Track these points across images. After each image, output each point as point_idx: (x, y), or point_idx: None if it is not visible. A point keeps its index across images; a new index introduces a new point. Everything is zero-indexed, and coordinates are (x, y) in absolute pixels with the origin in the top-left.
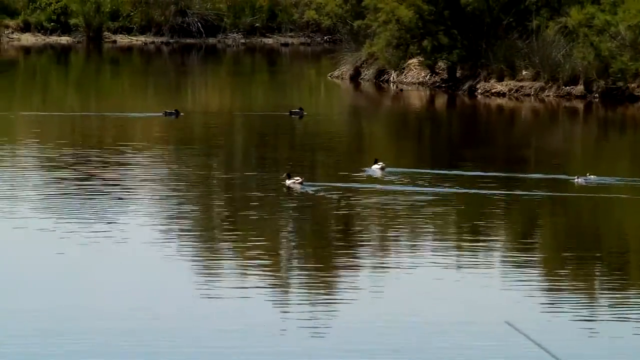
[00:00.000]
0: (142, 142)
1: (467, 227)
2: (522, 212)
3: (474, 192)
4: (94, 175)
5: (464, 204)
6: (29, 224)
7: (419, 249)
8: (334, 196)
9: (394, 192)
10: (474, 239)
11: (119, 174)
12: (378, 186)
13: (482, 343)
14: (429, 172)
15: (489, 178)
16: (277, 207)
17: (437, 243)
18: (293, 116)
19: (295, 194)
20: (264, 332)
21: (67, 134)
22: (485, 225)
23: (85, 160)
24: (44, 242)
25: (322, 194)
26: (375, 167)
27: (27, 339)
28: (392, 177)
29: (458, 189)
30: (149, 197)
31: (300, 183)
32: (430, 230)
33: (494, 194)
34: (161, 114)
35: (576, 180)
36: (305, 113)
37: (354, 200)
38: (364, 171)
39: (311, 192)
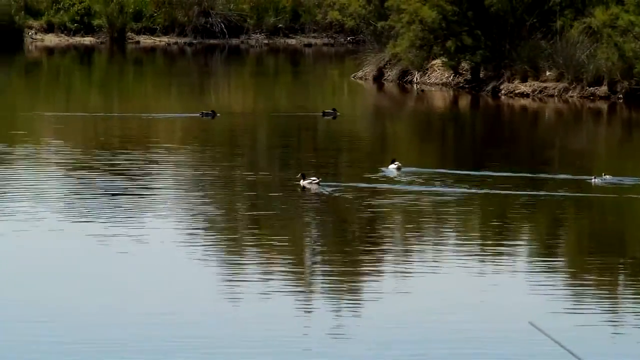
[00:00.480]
0: (183, 142)
1: (489, 227)
2: (544, 212)
3: (493, 193)
4: (123, 176)
5: (483, 205)
6: (55, 224)
7: (441, 250)
8: (351, 196)
9: (411, 192)
10: (496, 239)
11: (153, 174)
12: (395, 186)
13: (505, 344)
14: (446, 172)
15: (510, 179)
16: (294, 207)
17: (459, 244)
18: (326, 117)
19: (314, 195)
20: (287, 334)
21: (101, 135)
22: (507, 226)
23: (118, 161)
24: (67, 242)
25: (338, 194)
26: (392, 167)
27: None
28: (409, 177)
29: (477, 189)
30: (178, 197)
31: (317, 183)
32: (452, 231)
33: (515, 194)
34: (198, 114)
35: (593, 180)
36: (338, 114)
37: (372, 200)
38: (380, 171)
39: (327, 192)
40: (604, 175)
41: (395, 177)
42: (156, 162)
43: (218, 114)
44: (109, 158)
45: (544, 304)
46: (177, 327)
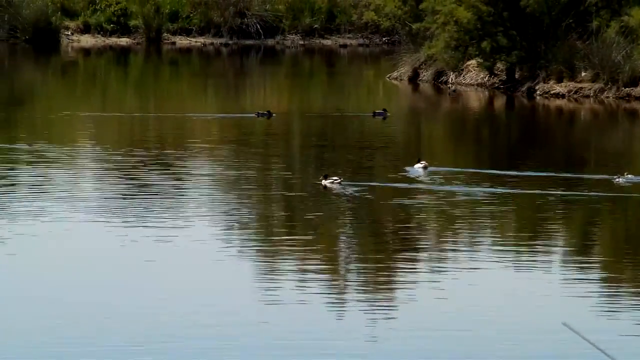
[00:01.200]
0: (232, 142)
1: (523, 227)
2: (579, 212)
3: (528, 193)
4: (168, 175)
5: (518, 205)
6: (91, 223)
7: (474, 251)
8: (372, 196)
9: (437, 192)
10: (530, 239)
11: (198, 173)
12: (425, 186)
13: (539, 344)
14: (476, 172)
15: (545, 178)
16: (326, 208)
17: (492, 244)
18: (377, 117)
19: (340, 195)
20: (324, 336)
21: (153, 134)
22: (542, 226)
23: (171, 160)
24: (102, 242)
25: (359, 194)
26: (418, 166)
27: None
28: (435, 177)
29: (511, 189)
30: (217, 197)
31: (339, 183)
32: (485, 231)
33: (550, 194)
34: (254, 114)
35: (616, 180)
36: (388, 114)
37: (399, 200)
38: (406, 171)
39: (349, 192)
40: (626, 174)
41: (422, 177)
42: (202, 161)
43: (274, 114)
44: (159, 157)
45: (578, 305)
46: (211, 328)
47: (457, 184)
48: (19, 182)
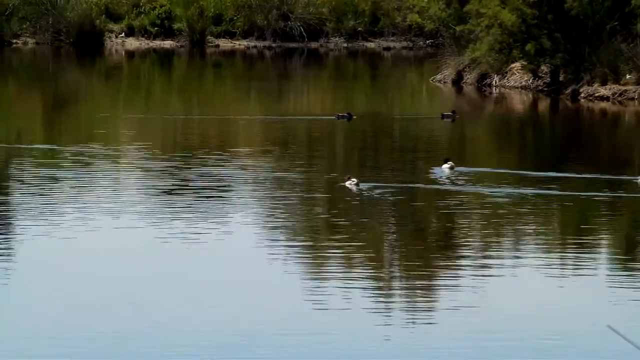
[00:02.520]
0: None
1: (567, 229)
2: (623, 214)
3: (572, 194)
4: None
5: (562, 206)
6: (133, 224)
7: (518, 253)
8: (392, 197)
9: (477, 194)
10: (574, 241)
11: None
12: (448, 187)
13: (583, 347)
14: (505, 173)
15: (589, 181)
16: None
17: (536, 246)
18: (445, 119)
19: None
20: (368, 338)
21: (218, 137)
22: (586, 228)
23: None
24: (143, 242)
25: (377, 194)
26: (445, 166)
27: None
28: (462, 177)
29: (556, 191)
30: (260, 199)
31: (356, 184)
32: (529, 233)
33: (594, 196)
34: (334, 117)
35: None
36: (457, 116)
37: (440, 201)
38: (432, 171)
39: (366, 193)
40: None
41: (449, 177)
42: (258, 163)
43: (354, 116)
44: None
45: (622, 307)
46: (256, 329)
47: (501, 186)
48: (61, 182)
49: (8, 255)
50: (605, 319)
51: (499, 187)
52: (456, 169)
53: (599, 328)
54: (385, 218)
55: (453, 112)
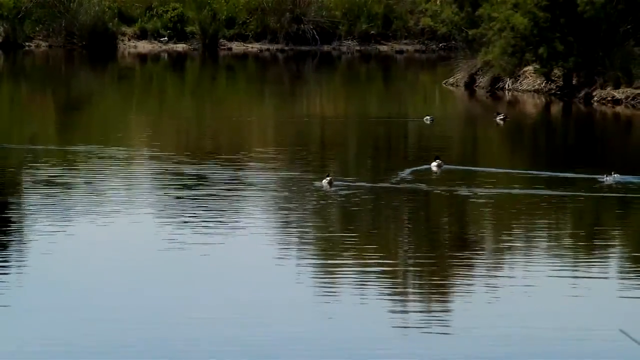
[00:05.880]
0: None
1: (579, 231)
2: (635, 217)
3: (584, 195)
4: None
5: (573, 208)
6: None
7: (529, 255)
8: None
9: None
10: (586, 244)
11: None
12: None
13: (595, 351)
14: (528, 173)
15: (597, 182)
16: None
17: (547, 248)
18: (498, 118)
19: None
20: (383, 338)
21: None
22: (598, 230)
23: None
24: (156, 243)
25: (345, 192)
26: (433, 164)
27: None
28: (483, 178)
29: (566, 191)
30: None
31: (330, 183)
32: (540, 234)
33: (606, 197)
34: (422, 119)
35: (605, 178)
36: (508, 118)
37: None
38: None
39: (334, 191)
40: (613, 173)
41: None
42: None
43: (433, 119)
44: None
45: (635, 311)
46: (266, 331)
47: (515, 187)
48: (75, 184)
49: (22, 258)
50: (618, 323)
51: (509, 189)
52: (444, 166)
53: (611, 332)
54: (398, 222)
55: (502, 113)
